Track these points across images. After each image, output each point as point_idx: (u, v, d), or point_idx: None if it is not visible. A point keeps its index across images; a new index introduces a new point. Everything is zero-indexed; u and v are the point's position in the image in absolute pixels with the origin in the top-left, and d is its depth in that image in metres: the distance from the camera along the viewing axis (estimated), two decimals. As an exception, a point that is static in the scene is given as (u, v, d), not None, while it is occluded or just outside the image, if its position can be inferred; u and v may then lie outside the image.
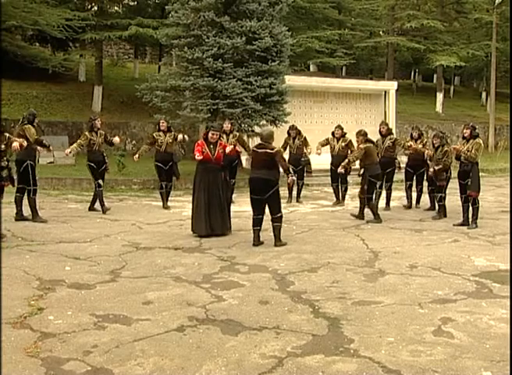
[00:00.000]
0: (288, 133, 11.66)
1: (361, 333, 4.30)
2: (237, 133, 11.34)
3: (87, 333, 4.24)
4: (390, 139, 10.50)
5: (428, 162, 9.92)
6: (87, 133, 9.86)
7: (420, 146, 10.35)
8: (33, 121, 8.89)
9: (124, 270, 6.11)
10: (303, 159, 11.29)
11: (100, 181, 9.95)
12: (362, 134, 9.42)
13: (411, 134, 10.89)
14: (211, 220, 7.99)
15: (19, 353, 3.87)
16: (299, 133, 11.53)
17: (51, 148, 9.34)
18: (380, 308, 4.91)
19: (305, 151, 11.38)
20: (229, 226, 8.29)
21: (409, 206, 10.78)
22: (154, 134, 10.71)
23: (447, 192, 9.68)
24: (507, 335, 4.22)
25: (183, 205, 11.10)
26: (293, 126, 11.89)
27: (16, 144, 7.65)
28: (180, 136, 10.66)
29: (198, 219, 8.03)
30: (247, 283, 5.66)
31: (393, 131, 11.46)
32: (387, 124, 11.04)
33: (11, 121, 16.64)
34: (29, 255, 6.72)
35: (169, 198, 10.78)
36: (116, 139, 10.32)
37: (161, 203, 10.76)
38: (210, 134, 8.16)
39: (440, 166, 9.26)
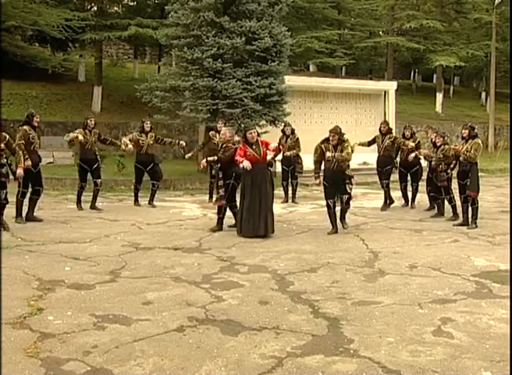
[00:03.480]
0: (282, 131, 11.66)
1: (361, 333, 4.30)
2: None
3: (87, 334, 4.24)
4: (390, 138, 10.52)
5: (424, 161, 9.97)
6: (80, 130, 10.01)
7: (412, 144, 10.42)
8: (31, 121, 8.85)
9: (124, 270, 6.11)
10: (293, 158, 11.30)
11: (98, 180, 10.10)
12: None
13: (403, 134, 10.90)
14: (266, 221, 7.97)
15: (19, 353, 3.87)
16: (292, 132, 11.53)
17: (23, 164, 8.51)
18: (380, 308, 4.90)
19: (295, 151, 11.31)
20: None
21: (406, 205, 10.83)
22: (135, 134, 10.79)
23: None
24: (507, 335, 4.22)
25: (182, 205, 11.11)
26: (288, 123, 11.93)
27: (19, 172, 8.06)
28: (182, 142, 11.10)
29: (253, 220, 7.93)
30: (247, 283, 5.66)
31: (393, 131, 11.40)
32: (388, 123, 11.05)
33: (10, 121, 16.64)
34: (28, 255, 6.72)
35: (167, 198, 10.79)
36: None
37: (160, 203, 10.80)
38: (248, 135, 8.08)
39: (454, 163, 9.16)
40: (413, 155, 10.07)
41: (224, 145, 8.46)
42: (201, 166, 9.53)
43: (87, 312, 4.73)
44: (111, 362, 3.75)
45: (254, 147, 8.06)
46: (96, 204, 10.16)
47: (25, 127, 8.78)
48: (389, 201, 10.68)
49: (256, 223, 7.92)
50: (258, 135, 8.30)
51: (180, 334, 4.25)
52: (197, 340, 4.15)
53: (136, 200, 10.87)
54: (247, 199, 8.03)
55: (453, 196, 9.39)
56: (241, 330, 4.36)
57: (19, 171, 8.11)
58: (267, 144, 8.22)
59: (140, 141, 10.56)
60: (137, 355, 3.88)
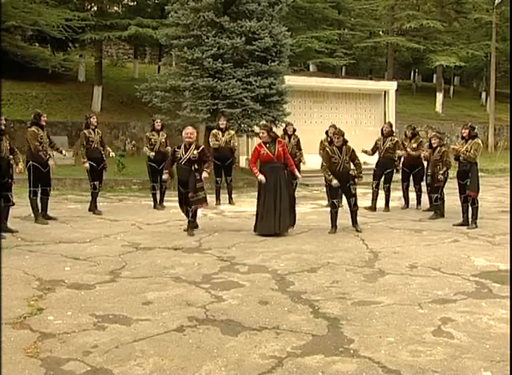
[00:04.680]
0: (284, 130, 11.65)
1: (361, 333, 4.30)
2: (232, 132, 11.46)
3: (87, 334, 4.24)
4: (391, 140, 10.48)
5: (424, 162, 9.95)
6: (85, 131, 9.85)
7: (412, 152, 10.43)
8: (39, 121, 8.89)
9: (124, 270, 6.11)
10: (296, 159, 11.26)
11: (96, 183, 9.85)
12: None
13: (405, 133, 10.92)
14: (280, 220, 8.03)
15: (19, 353, 3.87)
16: (294, 131, 11.54)
17: (61, 149, 9.25)
18: (380, 308, 4.91)
19: (298, 154, 11.29)
20: (294, 222, 8.41)
21: (406, 207, 10.79)
22: (147, 134, 10.76)
23: (446, 192, 9.69)
24: (507, 335, 4.22)
25: (182, 205, 11.10)
26: (290, 123, 11.95)
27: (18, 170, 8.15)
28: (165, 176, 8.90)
29: (267, 219, 8.02)
30: (247, 283, 5.66)
31: (394, 133, 11.37)
32: (392, 125, 11.03)
33: (10, 121, 16.62)
34: (28, 255, 6.72)
35: (167, 198, 10.75)
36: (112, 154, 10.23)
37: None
38: (260, 134, 8.23)
39: (444, 169, 9.27)
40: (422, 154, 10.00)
41: (196, 147, 8.16)
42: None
43: (87, 312, 4.73)
44: (111, 362, 3.75)
45: (268, 145, 8.13)
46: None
47: (33, 128, 8.84)
48: (372, 205, 10.52)
49: (272, 222, 8.00)
50: (276, 136, 8.37)
51: (180, 334, 4.25)
52: (197, 340, 4.15)
53: (155, 201, 10.56)
54: (262, 198, 8.16)
55: (441, 197, 9.46)
56: (241, 330, 4.36)
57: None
58: (284, 146, 8.34)
59: (153, 140, 10.51)
60: (137, 355, 3.88)
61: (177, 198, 8.38)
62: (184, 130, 8.23)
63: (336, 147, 8.29)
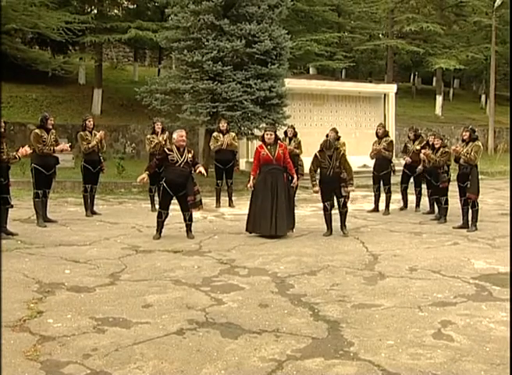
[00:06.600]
0: (285, 132, 11.65)
1: (361, 336, 4.30)
2: (233, 134, 11.47)
3: (87, 337, 4.24)
4: (386, 141, 10.49)
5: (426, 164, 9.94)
6: (81, 133, 9.82)
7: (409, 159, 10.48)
8: (46, 124, 8.89)
9: (124, 273, 6.11)
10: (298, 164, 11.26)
11: (88, 186, 9.76)
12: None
13: (408, 136, 10.92)
14: (277, 222, 8.02)
15: (19, 356, 3.86)
16: (295, 135, 11.54)
17: (63, 146, 8.98)
18: (380, 311, 4.90)
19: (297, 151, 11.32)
20: (293, 225, 8.39)
21: (405, 208, 10.83)
22: (148, 136, 10.72)
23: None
24: (507, 338, 4.22)
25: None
26: (291, 126, 11.95)
27: (21, 151, 7.82)
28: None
29: (264, 219, 8.03)
30: (247, 286, 5.66)
31: (393, 134, 11.39)
32: (384, 126, 11.05)
33: (11, 124, 16.64)
34: (28, 258, 6.71)
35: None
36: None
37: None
38: (265, 135, 8.28)
39: (446, 169, 9.28)
40: (420, 167, 10.05)
41: (188, 151, 8.00)
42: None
43: (87, 315, 4.72)
44: (110, 365, 3.75)
45: (269, 147, 8.21)
46: (94, 208, 10.10)
47: (36, 130, 8.87)
48: (374, 206, 10.64)
49: (268, 223, 8.00)
50: (278, 139, 8.45)
51: (180, 337, 4.25)
52: (196, 343, 4.14)
53: (152, 204, 10.44)
54: (255, 199, 8.20)
55: (446, 200, 9.42)
56: (241, 333, 4.35)
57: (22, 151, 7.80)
58: (285, 149, 8.37)
59: (153, 143, 10.52)
60: (137, 358, 3.87)
61: (163, 200, 8.05)
62: (177, 133, 7.99)
63: (327, 155, 8.26)
